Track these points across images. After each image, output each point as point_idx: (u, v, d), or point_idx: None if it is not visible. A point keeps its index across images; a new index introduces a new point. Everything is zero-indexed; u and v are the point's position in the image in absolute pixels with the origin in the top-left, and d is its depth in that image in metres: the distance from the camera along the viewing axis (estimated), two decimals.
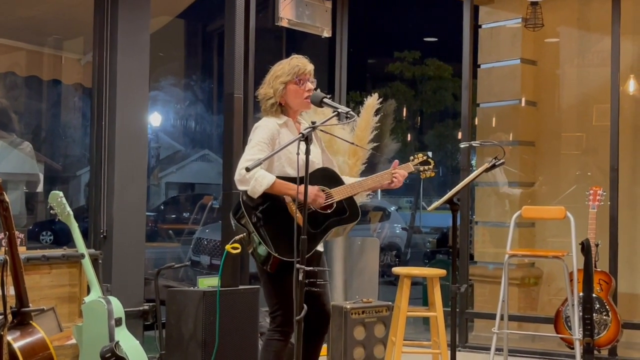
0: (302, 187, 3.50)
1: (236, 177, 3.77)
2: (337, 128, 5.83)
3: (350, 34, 7.29)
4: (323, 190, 3.90)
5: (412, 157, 4.14)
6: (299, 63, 3.99)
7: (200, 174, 20.81)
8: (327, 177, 3.97)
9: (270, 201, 3.83)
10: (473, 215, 7.71)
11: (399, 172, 4.01)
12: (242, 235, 3.88)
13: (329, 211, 3.90)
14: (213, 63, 16.73)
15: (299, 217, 3.63)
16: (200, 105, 18.25)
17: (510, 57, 7.70)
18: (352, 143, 5.67)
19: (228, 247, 4.31)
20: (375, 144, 6.53)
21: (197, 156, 21.58)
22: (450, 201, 4.22)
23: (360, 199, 6.04)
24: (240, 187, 3.79)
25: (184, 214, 16.33)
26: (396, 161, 4.07)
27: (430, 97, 16.16)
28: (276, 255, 3.72)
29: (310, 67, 4.01)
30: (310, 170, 3.48)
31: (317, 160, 4.05)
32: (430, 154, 4.34)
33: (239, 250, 4.26)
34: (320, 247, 4.03)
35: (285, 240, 3.72)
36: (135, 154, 5.67)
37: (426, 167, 4.13)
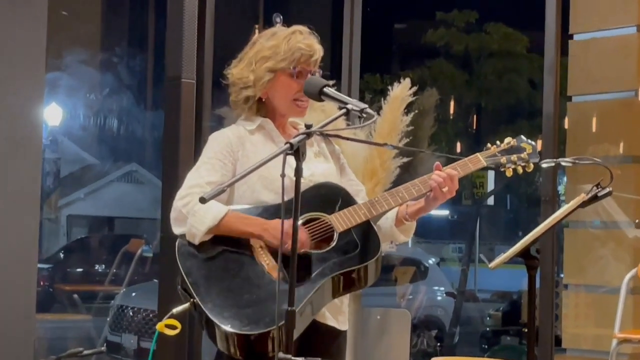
0: (274, 222, 3.12)
1: (171, 214, 3.30)
2: (346, 134, 5.00)
3: None
4: (316, 220, 3.31)
5: (489, 145, 3.45)
6: (304, 45, 3.35)
7: (124, 203, 19.21)
8: (327, 198, 3.35)
9: (224, 246, 3.29)
10: (560, 274, 7.27)
11: (441, 174, 3.28)
12: (185, 305, 3.31)
13: (326, 249, 3.30)
14: (148, 28, 14.86)
15: (270, 267, 3.20)
16: (127, 94, 16.29)
17: (621, 23, 6.87)
18: (380, 144, 4.83)
19: (161, 325, 3.52)
20: (405, 159, 5.89)
21: (120, 174, 19.95)
22: (525, 253, 3.66)
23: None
24: (176, 229, 3.30)
25: (97, 267, 14.81)
26: (438, 163, 3.39)
27: (493, 85, 14.00)
28: (230, 330, 3.18)
29: (319, 53, 3.40)
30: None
31: (322, 178, 3.45)
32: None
33: (177, 330, 3.46)
34: (341, 323, 3.41)
35: (249, 306, 3.18)
36: (21, 170, 5.35)
37: (515, 157, 3.40)
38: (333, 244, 3.30)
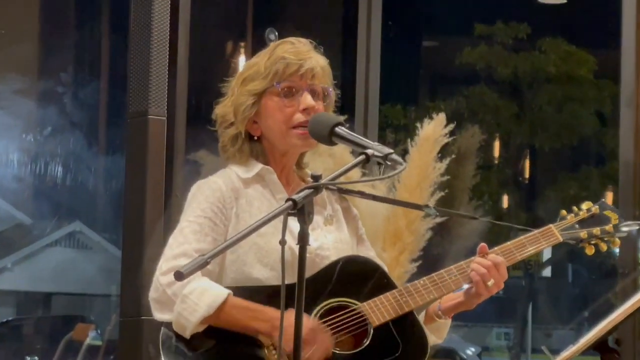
0: (288, 316, 2.62)
1: (151, 293, 2.89)
2: (363, 187, 4.36)
3: None
4: (344, 308, 2.98)
5: (564, 213, 3.15)
6: (287, 53, 3.00)
7: (65, 274, 17.10)
8: (357, 279, 3.04)
9: (224, 339, 2.94)
10: None
11: (484, 263, 2.91)
12: None
13: (358, 348, 2.99)
14: (101, 49, 12.89)
15: None
16: (75, 134, 14.97)
17: None
18: (419, 206, 4.15)
19: None
20: (437, 220, 5.44)
21: (60, 235, 17.82)
22: (601, 344, 3.44)
23: None
24: (159, 314, 2.89)
25: None
26: (483, 245, 3.02)
27: (551, 119, 12.51)
28: None
29: (311, 62, 2.98)
30: (317, 269, 2.87)
31: (333, 253, 3.07)
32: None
33: None
34: None
35: None
36: None
37: (597, 230, 3.11)
38: (366, 342, 3.05)
